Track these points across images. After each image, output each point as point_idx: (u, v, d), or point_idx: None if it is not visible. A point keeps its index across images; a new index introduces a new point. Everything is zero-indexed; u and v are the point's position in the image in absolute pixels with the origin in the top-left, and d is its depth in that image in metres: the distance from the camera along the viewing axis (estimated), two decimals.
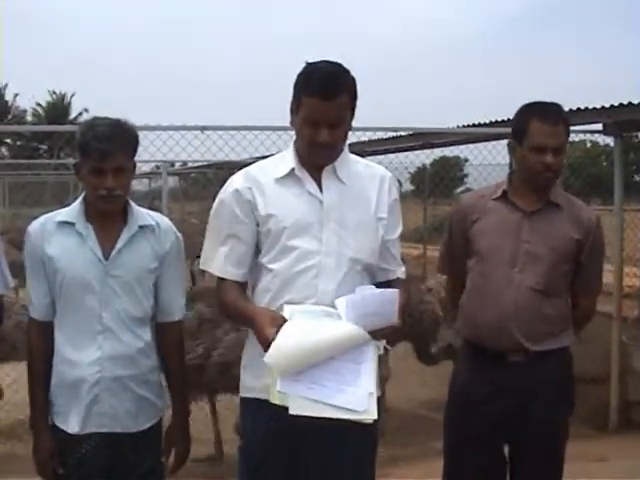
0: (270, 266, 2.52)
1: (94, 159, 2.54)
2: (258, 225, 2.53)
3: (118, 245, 2.64)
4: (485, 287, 3.10)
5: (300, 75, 2.46)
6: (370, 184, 2.59)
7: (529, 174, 3.06)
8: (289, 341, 2.23)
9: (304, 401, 2.23)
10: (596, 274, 3.21)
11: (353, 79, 2.48)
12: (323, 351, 2.25)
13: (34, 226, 2.69)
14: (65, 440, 2.65)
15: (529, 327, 3.01)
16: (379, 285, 2.56)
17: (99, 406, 2.63)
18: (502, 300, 3.03)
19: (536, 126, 3.00)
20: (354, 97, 2.49)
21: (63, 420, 2.66)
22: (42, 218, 2.71)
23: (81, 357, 2.62)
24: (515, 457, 3.17)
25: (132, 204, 2.72)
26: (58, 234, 2.65)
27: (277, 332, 2.25)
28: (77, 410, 2.63)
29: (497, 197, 3.14)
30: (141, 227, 2.69)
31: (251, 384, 2.58)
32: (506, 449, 3.20)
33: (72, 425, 2.64)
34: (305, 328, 2.27)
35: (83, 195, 2.70)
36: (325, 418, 2.24)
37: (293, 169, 2.52)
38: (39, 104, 46.24)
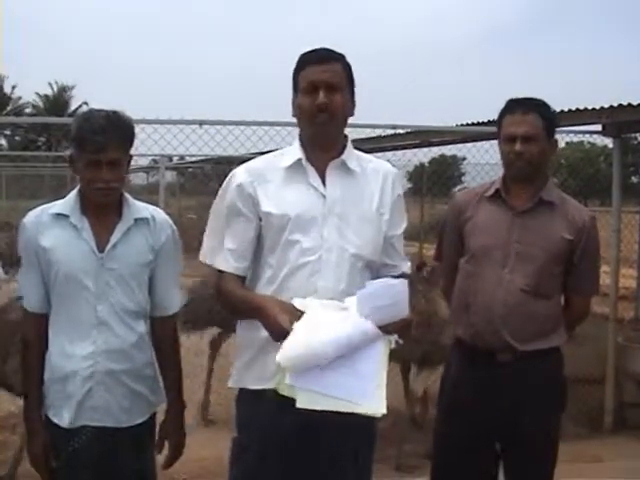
0: (271, 260, 2.51)
1: (90, 151, 2.52)
2: (260, 219, 2.52)
3: (113, 238, 2.62)
4: (475, 286, 3.10)
5: (296, 61, 2.53)
6: (374, 180, 2.60)
7: (505, 167, 3.10)
8: (301, 342, 2.21)
9: (312, 394, 2.22)
10: (590, 275, 3.18)
11: (348, 62, 2.54)
12: (335, 351, 2.24)
13: (29, 218, 2.67)
14: (57, 433, 2.64)
15: (517, 328, 3.01)
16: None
17: (92, 400, 2.61)
18: (491, 300, 3.03)
19: (506, 118, 3.06)
20: (350, 76, 2.54)
21: (56, 413, 2.65)
22: (37, 210, 2.69)
23: (75, 350, 2.61)
24: (505, 457, 3.17)
25: (128, 197, 2.71)
26: (53, 226, 2.63)
27: (290, 320, 2.24)
28: (70, 403, 2.62)
29: (490, 195, 3.14)
30: (136, 220, 2.67)
31: (243, 376, 2.56)
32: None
33: (64, 418, 2.63)
34: (317, 327, 2.24)
35: (78, 187, 2.68)
36: (331, 411, 2.24)
37: (299, 159, 2.52)
38: (39, 95, 46.20)
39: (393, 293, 2.30)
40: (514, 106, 3.05)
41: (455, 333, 3.26)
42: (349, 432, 2.44)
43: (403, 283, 2.33)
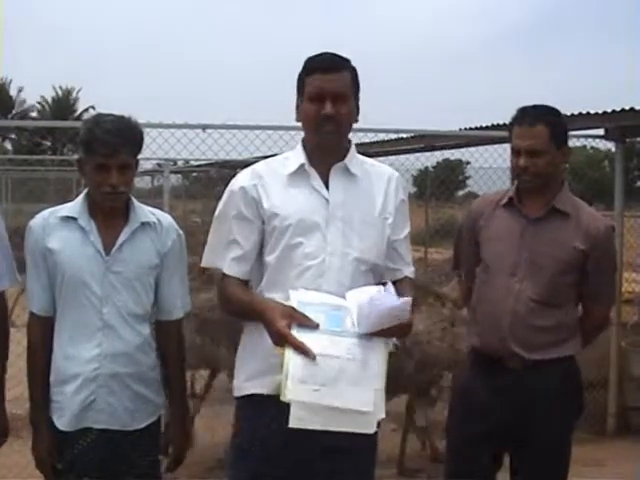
0: (274, 263, 2.51)
1: (100, 155, 2.55)
2: (263, 223, 2.53)
3: (119, 241, 2.65)
4: (486, 295, 3.09)
5: (302, 65, 2.52)
6: (377, 183, 2.60)
7: (515, 177, 3.08)
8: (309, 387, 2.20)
9: (308, 408, 2.20)
10: (606, 284, 3.15)
11: (354, 67, 2.53)
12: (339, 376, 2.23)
13: (36, 220, 2.70)
14: (62, 436, 2.66)
15: (525, 337, 2.99)
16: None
17: (97, 403, 2.63)
18: (500, 310, 3.01)
19: (514, 129, 3.02)
20: (356, 82, 2.54)
21: (61, 416, 2.66)
22: (45, 212, 2.71)
23: (80, 353, 2.63)
24: (515, 465, 3.15)
25: (134, 201, 2.73)
26: (60, 229, 2.66)
27: (288, 325, 2.24)
28: (75, 406, 2.63)
29: (504, 203, 3.12)
30: (143, 224, 2.69)
31: (247, 383, 2.55)
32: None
33: (70, 421, 2.64)
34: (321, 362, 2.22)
35: (86, 191, 2.70)
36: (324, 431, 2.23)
37: (302, 164, 2.53)
38: (44, 98, 46.28)
39: (396, 313, 2.27)
40: (522, 116, 3.00)
41: (469, 341, 3.25)
42: (349, 435, 2.43)
43: (407, 303, 2.27)
